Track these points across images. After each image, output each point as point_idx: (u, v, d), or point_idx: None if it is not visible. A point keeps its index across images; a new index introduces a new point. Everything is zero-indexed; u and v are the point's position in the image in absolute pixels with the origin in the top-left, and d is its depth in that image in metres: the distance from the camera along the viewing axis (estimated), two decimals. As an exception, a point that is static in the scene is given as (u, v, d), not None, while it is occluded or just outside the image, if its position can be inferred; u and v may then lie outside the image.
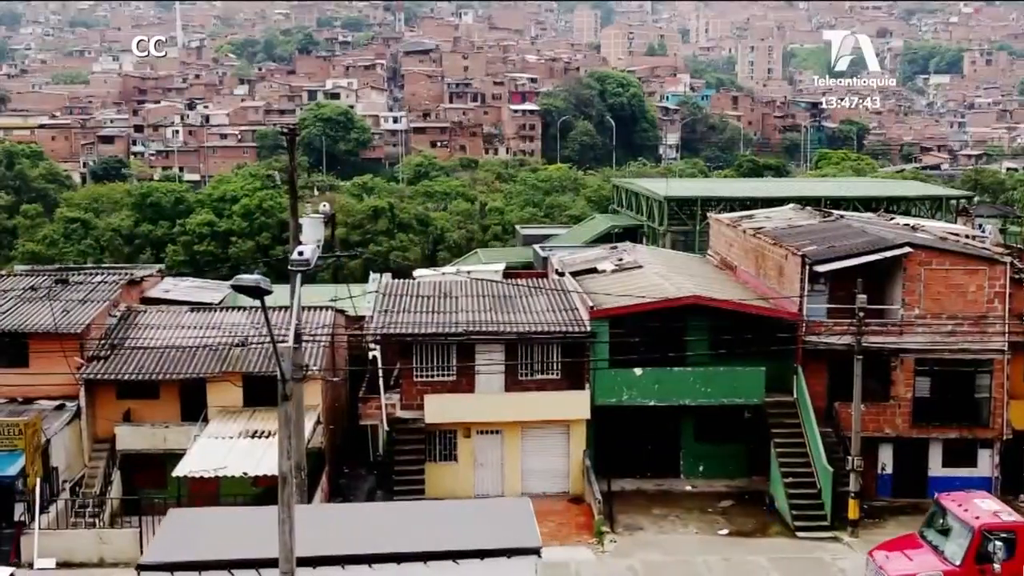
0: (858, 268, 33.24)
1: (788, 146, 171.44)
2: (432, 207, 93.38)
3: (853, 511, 30.94)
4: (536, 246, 60.76)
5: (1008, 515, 25.56)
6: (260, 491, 31.29)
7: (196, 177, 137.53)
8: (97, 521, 30.48)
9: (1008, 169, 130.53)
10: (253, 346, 32.80)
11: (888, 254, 33.14)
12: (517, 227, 78.69)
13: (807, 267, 33.53)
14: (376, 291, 41.06)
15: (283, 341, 26.84)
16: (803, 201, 50.74)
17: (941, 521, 26.23)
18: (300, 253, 15.24)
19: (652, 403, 33.76)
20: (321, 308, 35.90)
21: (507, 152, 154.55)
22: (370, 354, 38.23)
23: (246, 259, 77.03)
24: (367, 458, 38.58)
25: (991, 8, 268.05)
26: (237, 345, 31.22)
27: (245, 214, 79.39)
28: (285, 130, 26.21)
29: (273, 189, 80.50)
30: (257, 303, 12.83)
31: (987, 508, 25.80)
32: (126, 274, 38.38)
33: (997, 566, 24.52)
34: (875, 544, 27.71)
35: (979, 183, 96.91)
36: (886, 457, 34.25)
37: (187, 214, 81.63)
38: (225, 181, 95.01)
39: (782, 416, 33.41)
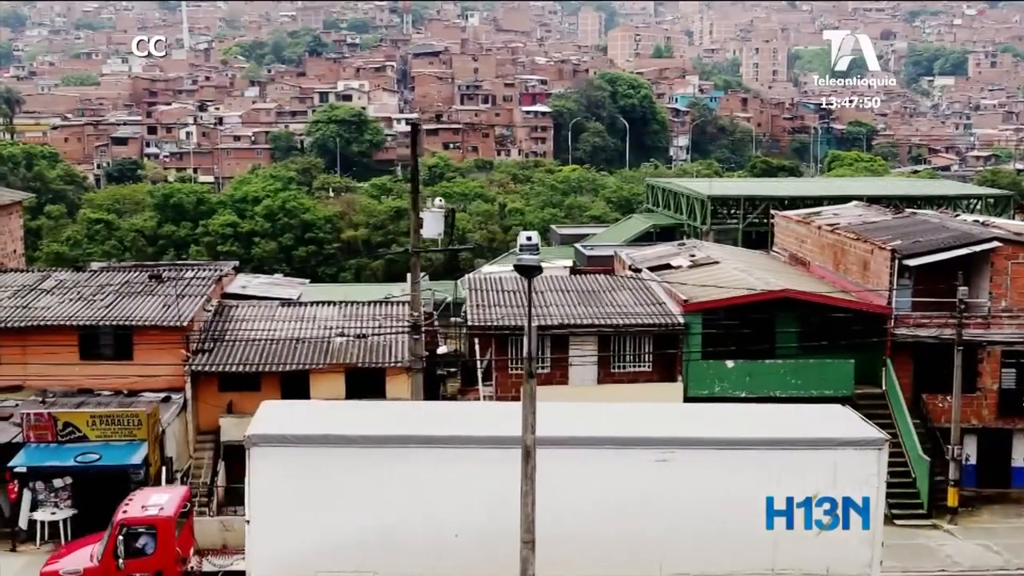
0: (943, 262, 33.97)
1: (797, 147, 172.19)
2: (451, 208, 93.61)
3: (952, 499, 31.71)
4: (578, 245, 61.49)
5: (150, 510, 24.38)
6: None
7: (210, 179, 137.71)
8: (207, 510, 30.94)
9: (1018, 171, 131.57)
10: (351, 339, 33.46)
11: (977, 248, 33.91)
12: (552, 227, 79.30)
13: (896, 261, 34.21)
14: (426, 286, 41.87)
15: (394, 332, 27.30)
16: (847, 199, 51.30)
17: None
18: (528, 239, 15.68)
19: (743, 395, 34.25)
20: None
21: (519, 153, 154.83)
22: (439, 348, 38.83)
23: (269, 260, 77.59)
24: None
25: (995, 10, 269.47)
26: (358, 337, 31.76)
27: (268, 215, 79.92)
28: (409, 123, 26.75)
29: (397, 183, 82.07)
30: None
31: (148, 502, 24.69)
32: (216, 269, 38.86)
33: (120, 561, 23.71)
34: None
35: (995, 184, 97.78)
36: (970, 448, 34.80)
37: (209, 215, 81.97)
38: (246, 182, 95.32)
39: (871, 408, 33.76)
